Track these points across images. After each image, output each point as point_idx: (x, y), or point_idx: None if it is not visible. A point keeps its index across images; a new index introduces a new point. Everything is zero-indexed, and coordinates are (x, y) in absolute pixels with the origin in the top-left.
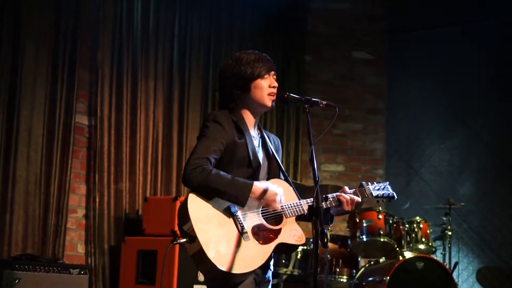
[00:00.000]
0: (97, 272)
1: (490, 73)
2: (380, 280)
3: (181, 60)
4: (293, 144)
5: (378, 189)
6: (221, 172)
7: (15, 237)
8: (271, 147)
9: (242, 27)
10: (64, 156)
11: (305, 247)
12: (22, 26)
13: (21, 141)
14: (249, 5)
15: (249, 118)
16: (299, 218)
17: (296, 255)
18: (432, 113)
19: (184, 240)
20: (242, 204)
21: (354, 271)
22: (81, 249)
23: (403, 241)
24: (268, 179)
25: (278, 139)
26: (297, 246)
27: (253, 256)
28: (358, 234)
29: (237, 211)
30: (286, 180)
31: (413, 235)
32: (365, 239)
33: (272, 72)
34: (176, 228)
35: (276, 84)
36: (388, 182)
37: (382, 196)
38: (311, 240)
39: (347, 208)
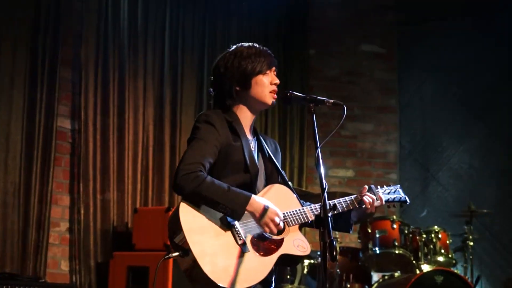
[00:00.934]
0: None
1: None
2: None
3: (173, 56)
4: (297, 148)
5: (388, 193)
6: (216, 181)
7: None
8: (268, 150)
9: (240, 18)
10: (45, 163)
11: (312, 261)
12: None
13: None
14: None
15: (246, 117)
16: (304, 225)
17: (303, 270)
18: (450, 111)
19: (176, 253)
20: (237, 218)
21: (367, 286)
22: (64, 266)
23: (420, 253)
24: (266, 185)
25: (276, 142)
26: (301, 257)
27: (254, 269)
28: (370, 245)
29: (234, 220)
30: (286, 186)
31: (431, 246)
32: (378, 251)
33: (273, 68)
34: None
35: (277, 81)
36: (399, 185)
37: (393, 201)
38: (318, 253)
39: (372, 209)
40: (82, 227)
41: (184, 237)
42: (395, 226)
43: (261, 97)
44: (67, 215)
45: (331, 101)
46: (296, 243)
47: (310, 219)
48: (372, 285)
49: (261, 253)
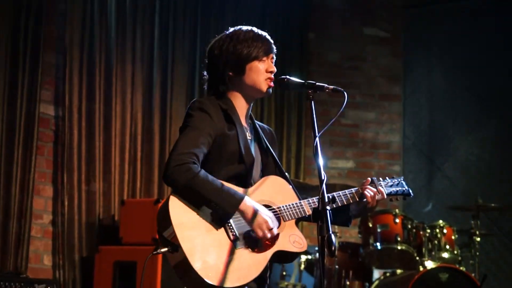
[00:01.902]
0: None
1: None
2: None
3: (163, 39)
4: (294, 137)
5: (391, 186)
6: (210, 176)
7: None
8: (265, 140)
9: None
10: (26, 152)
11: (310, 257)
12: None
13: None
14: None
15: (241, 104)
16: (301, 219)
17: (299, 266)
18: (457, 99)
19: (165, 249)
20: (227, 218)
21: (367, 284)
22: (47, 261)
23: (424, 249)
24: (262, 176)
25: (272, 130)
26: (297, 254)
27: (247, 266)
28: (371, 241)
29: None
30: (283, 177)
31: (436, 241)
32: (379, 247)
33: (271, 55)
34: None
35: (274, 69)
36: (402, 178)
37: (396, 194)
38: (316, 248)
39: (373, 203)
40: (66, 219)
41: (174, 232)
42: (397, 220)
43: (255, 84)
44: (50, 207)
45: (331, 87)
46: (292, 239)
47: (308, 213)
48: (373, 282)
49: (255, 250)
